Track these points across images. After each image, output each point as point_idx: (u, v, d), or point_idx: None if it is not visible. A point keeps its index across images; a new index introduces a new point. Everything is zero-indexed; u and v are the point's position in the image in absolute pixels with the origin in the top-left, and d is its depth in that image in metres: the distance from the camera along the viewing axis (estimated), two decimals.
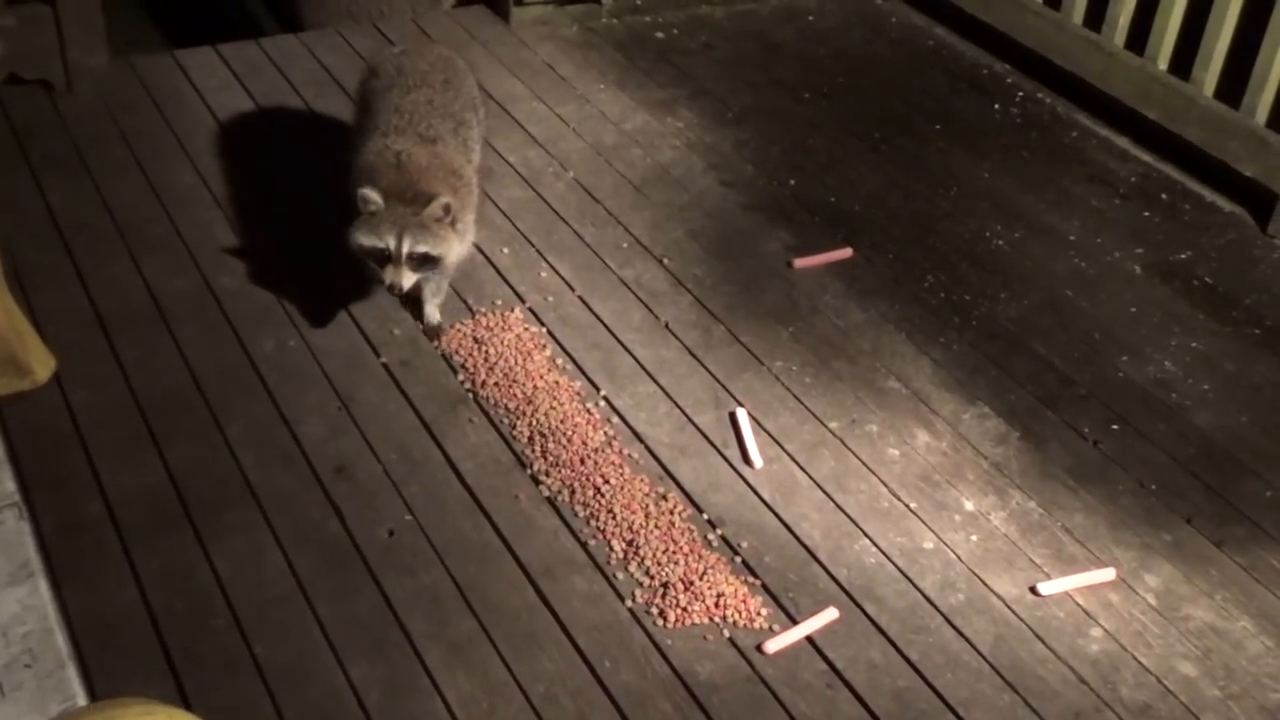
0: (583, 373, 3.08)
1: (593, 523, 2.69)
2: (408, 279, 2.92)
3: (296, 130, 3.84)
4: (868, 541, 2.73)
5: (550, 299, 3.30)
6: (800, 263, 3.49)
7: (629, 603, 2.54)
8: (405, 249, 2.89)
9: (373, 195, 2.90)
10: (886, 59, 4.58)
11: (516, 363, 3.06)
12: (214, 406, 2.89)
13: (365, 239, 2.92)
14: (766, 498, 2.81)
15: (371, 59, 3.31)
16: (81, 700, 2.23)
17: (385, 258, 2.91)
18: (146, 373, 2.95)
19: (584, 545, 2.65)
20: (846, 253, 3.54)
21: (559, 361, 3.10)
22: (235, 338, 3.08)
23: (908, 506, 2.82)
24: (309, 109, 3.94)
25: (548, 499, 2.75)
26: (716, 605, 2.54)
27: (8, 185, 3.50)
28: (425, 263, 2.94)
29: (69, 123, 3.77)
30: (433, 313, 3.14)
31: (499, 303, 3.27)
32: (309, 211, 3.50)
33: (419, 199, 2.93)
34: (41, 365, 2.88)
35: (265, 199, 3.55)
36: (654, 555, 2.62)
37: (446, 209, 2.94)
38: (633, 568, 2.61)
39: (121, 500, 2.65)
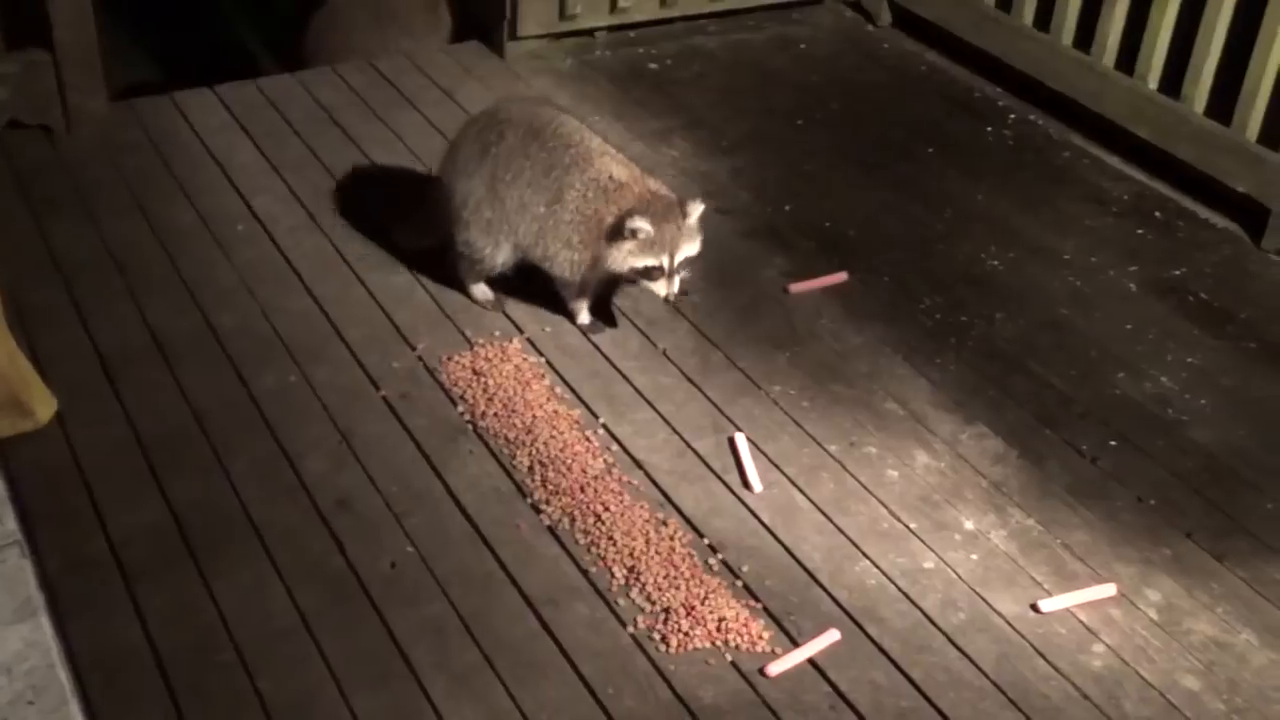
0: (581, 401, 3.10)
1: (594, 550, 2.70)
2: (676, 285, 3.14)
3: (295, 169, 3.87)
4: (868, 563, 2.74)
5: (548, 329, 3.32)
6: (795, 287, 3.51)
7: (631, 629, 2.55)
8: (676, 262, 3.12)
9: (644, 224, 3.06)
10: (880, 85, 4.61)
11: (515, 393, 3.07)
12: (215, 443, 2.90)
13: (639, 261, 3.11)
14: (767, 521, 2.81)
15: (498, 111, 3.37)
16: None
17: (659, 273, 3.12)
18: (148, 411, 2.97)
19: (585, 573, 2.66)
20: (841, 277, 3.56)
21: (558, 390, 3.11)
22: (236, 375, 3.10)
23: (908, 527, 2.83)
24: (308, 148, 3.98)
25: (548, 527, 2.76)
26: (718, 629, 2.54)
27: (9, 228, 3.53)
28: (685, 265, 3.16)
29: (70, 166, 3.81)
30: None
31: (497, 334, 3.29)
32: (309, 247, 3.53)
33: (672, 211, 3.11)
34: (44, 406, 2.90)
35: (265, 237, 3.58)
36: (655, 581, 2.63)
37: (698, 211, 3.15)
38: (634, 594, 2.61)
39: (125, 538, 2.66)
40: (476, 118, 3.44)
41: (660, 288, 3.14)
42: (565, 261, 3.23)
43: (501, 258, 3.30)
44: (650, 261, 3.11)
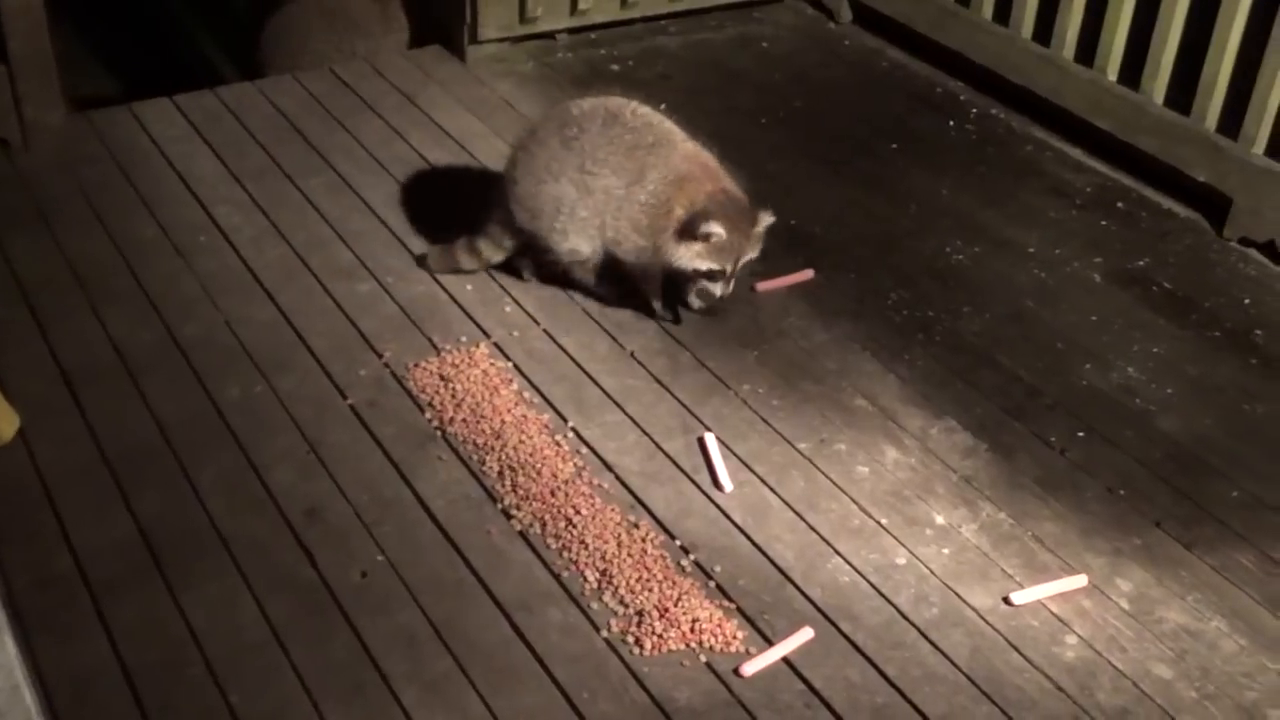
0: (550, 405, 3.09)
1: (565, 554, 2.69)
2: (731, 287, 3.24)
3: (256, 178, 3.84)
4: (841, 560, 2.74)
5: (515, 333, 3.31)
6: (763, 286, 3.51)
7: (605, 632, 2.54)
8: (738, 267, 3.19)
9: (719, 229, 3.10)
10: (842, 82, 4.62)
11: (484, 398, 3.06)
12: (182, 456, 2.88)
13: (705, 263, 3.17)
14: (738, 521, 2.81)
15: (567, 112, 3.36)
16: None
17: (720, 275, 3.19)
18: (113, 426, 2.94)
19: (557, 577, 2.65)
20: (808, 274, 3.56)
21: (526, 395, 3.10)
22: (201, 387, 3.07)
23: (879, 523, 2.83)
24: (269, 156, 3.95)
25: (520, 533, 2.75)
26: (692, 630, 2.54)
27: None
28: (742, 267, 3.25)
29: (27, 180, 3.77)
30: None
31: (464, 339, 3.27)
32: (272, 256, 3.51)
33: (745, 216, 3.16)
34: (6, 423, 2.86)
35: (228, 247, 3.55)
36: (628, 584, 2.62)
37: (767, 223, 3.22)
38: (607, 597, 2.61)
39: (91, 554, 2.63)
40: (541, 123, 3.39)
41: (717, 289, 3.22)
42: (633, 247, 3.23)
43: (602, 251, 3.30)
44: (715, 265, 3.17)
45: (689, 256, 3.16)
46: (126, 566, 2.62)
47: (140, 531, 2.69)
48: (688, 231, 3.13)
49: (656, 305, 3.35)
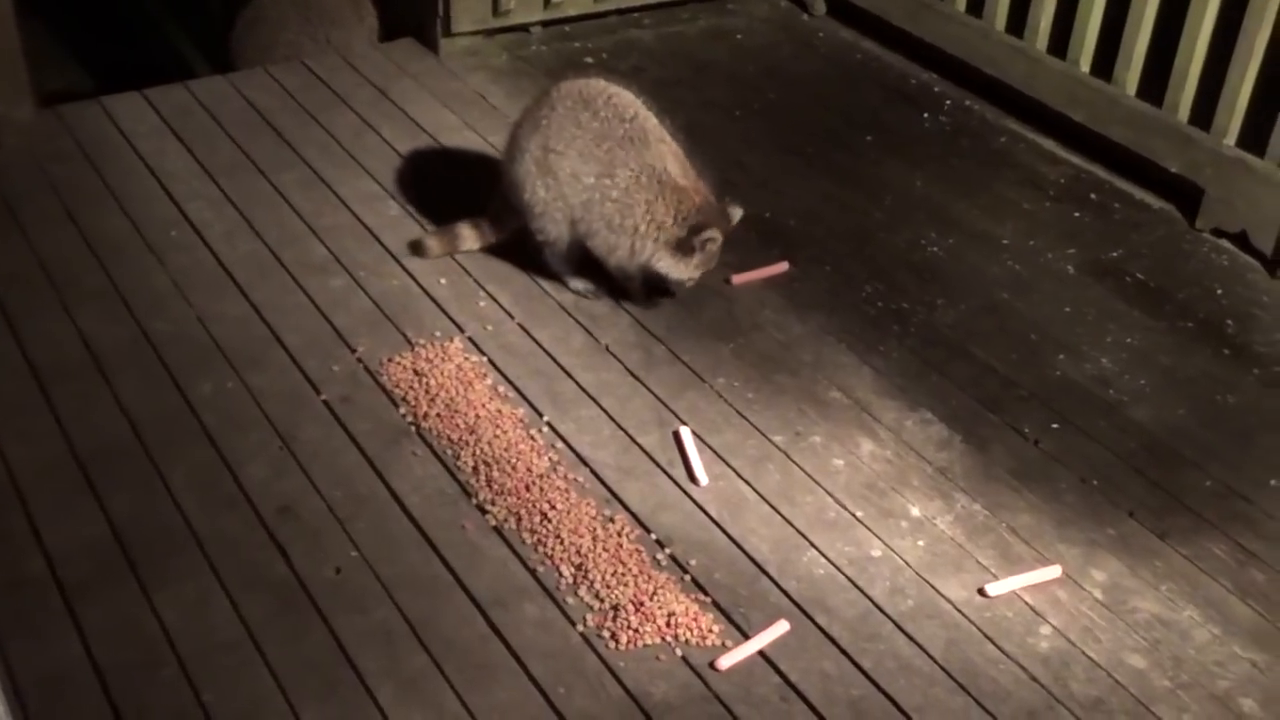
0: (525, 399, 3.08)
1: (541, 549, 2.69)
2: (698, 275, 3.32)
3: (228, 172, 3.82)
4: (816, 553, 2.74)
5: (490, 328, 3.30)
6: (738, 279, 3.50)
7: (580, 627, 2.54)
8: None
9: (716, 236, 3.20)
10: (816, 74, 4.62)
11: (458, 393, 3.05)
12: (154, 454, 2.86)
13: (701, 271, 3.27)
14: (714, 514, 2.81)
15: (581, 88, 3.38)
16: None
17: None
18: (84, 424, 2.92)
19: (533, 572, 2.65)
20: (783, 267, 3.56)
21: (501, 389, 3.09)
22: (173, 384, 3.05)
23: (854, 516, 2.83)
24: (241, 150, 3.92)
25: (495, 528, 2.74)
26: (668, 625, 2.54)
27: None
28: None
29: None
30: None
31: (438, 334, 3.26)
32: (244, 252, 3.49)
33: (725, 220, 3.25)
34: None
35: (200, 243, 3.52)
36: (603, 578, 2.62)
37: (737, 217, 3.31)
38: (583, 592, 2.60)
39: (62, 554, 2.61)
40: (533, 100, 3.46)
41: (686, 283, 3.31)
42: (603, 243, 3.26)
43: (570, 236, 3.33)
44: (703, 270, 3.27)
45: (687, 269, 3.26)
46: (98, 566, 2.60)
47: (112, 530, 2.67)
48: (684, 246, 3.19)
49: (638, 295, 3.37)
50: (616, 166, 3.20)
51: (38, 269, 3.38)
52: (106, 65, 5.44)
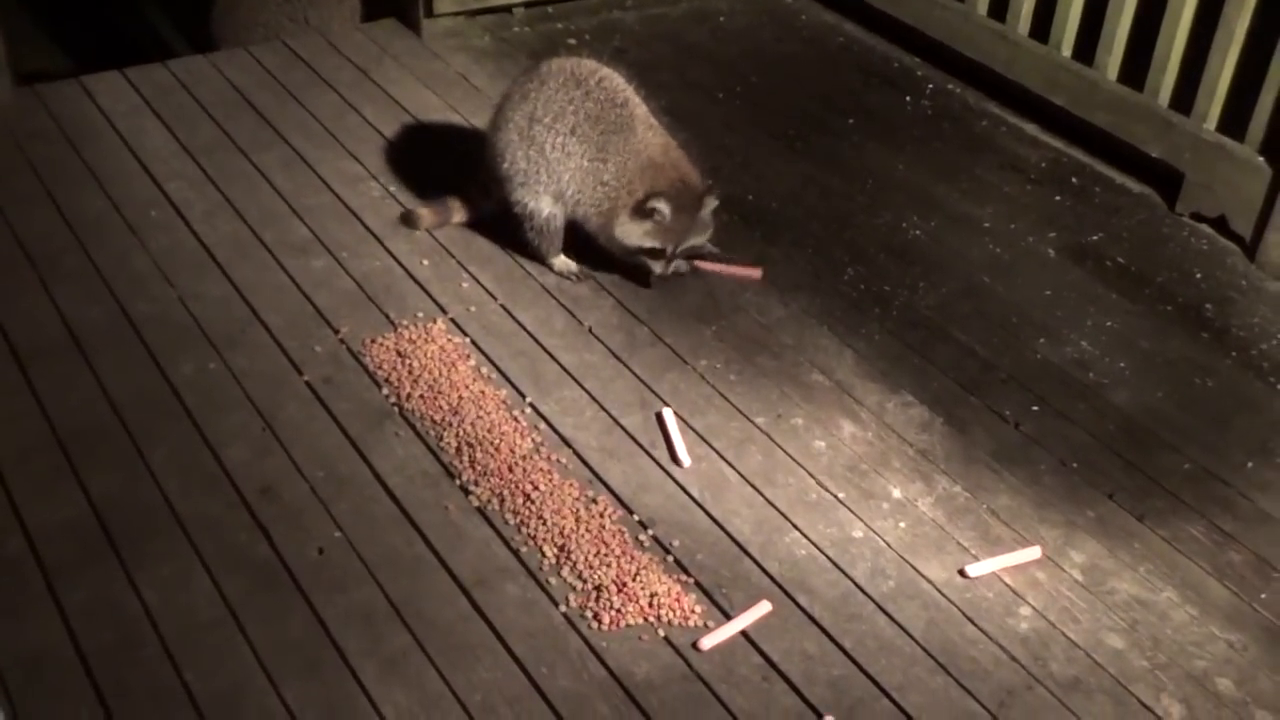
0: (508, 381, 3.08)
1: (523, 530, 2.69)
2: (671, 267, 3.31)
3: (208, 152, 3.80)
4: (798, 534, 2.75)
5: (473, 309, 3.29)
6: (703, 266, 3.46)
7: (563, 607, 2.54)
8: (679, 249, 3.25)
9: (665, 209, 3.17)
10: (798, 57, 4.62)
11: (441, 374, 3.05)
12: (135, 434, 2.85)
13: (649, 241, 3.24)
14: (696, 496, 2.82)
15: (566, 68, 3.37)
16: None
17: (660, 254, 3.26)
18: (64, 404, 2.91)
19: (516, 553, 2.65)
20: (756, 274, 3.48)
21: (484, 371, 3.09)
22: (154, 364, 3.04)
23: (836, 497, 2.84)
24: (221, 130, 3.91)
25: (477, 508, 2.74)
26: (650, 605, 2.54)
27: None
28: (688, 250, 3.30)
29: None
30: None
31: (421, 315, 3.26)
32: (225, 232, 3.47)
33: (695, 202, 3.21)
34: None
35: (180, 223, 3.51)
36: (586, 559, 2.62)
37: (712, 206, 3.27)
38: (565, 572, 2.61)
39: (43, 534, 2.60)
40: (517, 77, 3.49)
41: (657, 267, 3.29)
42: (597, 229, 3.32)
43: (548, 210, 3.33)
44: (657, 244, 3.24)
45: (636, 234, 3.24)
46: (79, 547, 2.59)
47: (93, 510, 2.67)
48: (639, 210, 3.19)
49: (656, 267, 3.33)
50: (609, 153, 3.22)
51: (17, 248, 3.36)
52: (84, 45, 5.40)
